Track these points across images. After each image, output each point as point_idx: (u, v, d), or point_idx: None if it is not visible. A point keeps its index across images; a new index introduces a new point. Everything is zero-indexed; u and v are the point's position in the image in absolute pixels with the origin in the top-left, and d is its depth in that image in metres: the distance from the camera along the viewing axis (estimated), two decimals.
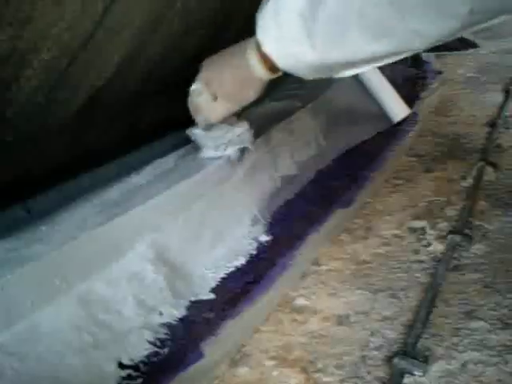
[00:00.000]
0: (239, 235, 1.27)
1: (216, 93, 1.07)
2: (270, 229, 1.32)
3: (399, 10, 0.78)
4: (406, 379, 0.85)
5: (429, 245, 1.23)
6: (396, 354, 0.89)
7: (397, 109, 1.89)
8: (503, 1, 0.77)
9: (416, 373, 0.86)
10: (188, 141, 1.25)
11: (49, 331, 0.87)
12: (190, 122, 1.16)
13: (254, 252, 1.23)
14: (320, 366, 0.90)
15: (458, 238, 1.21)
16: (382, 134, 1.86)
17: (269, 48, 0.96)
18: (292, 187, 1.50)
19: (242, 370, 0.90)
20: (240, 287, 1.11)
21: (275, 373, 0.89)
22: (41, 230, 0.97)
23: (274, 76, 1.03)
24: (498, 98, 2.14)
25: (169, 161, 1.23)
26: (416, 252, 1.20)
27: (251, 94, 1.08)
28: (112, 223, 0.99)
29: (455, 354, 0.90)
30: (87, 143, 1.08)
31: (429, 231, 1.28)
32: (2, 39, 0.73)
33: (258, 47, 0.98)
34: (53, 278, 0.89)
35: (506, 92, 2.18)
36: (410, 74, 2.28)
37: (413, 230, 1.30)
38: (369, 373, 0.87)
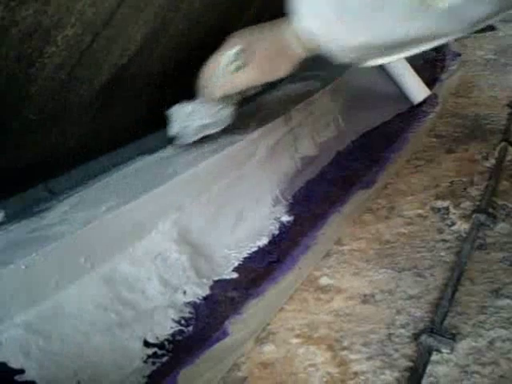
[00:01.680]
0: (261, 215, 1.27)
1: (246, 61, 1.02)
2: (292, 209, 1.32)
3: None
4: (434, 356, 0.84)
5: (453, 224, 1.21)
6: (423, 332, 0.88)
7: (417, 90, 1.89)
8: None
9: (443, 350, 0.85)
10: None
11: (74, 310, 0.87)
12: None
13: (277, 232, 1.23)
14: (346, 343, 0.89)
15: (482, 217, 1.20)
16: (402, 116, 1.84)
17: (305, 23, 0.92)
18: (312, 168, 1.50)
19: (268, 348, 0.89)
20: (263, 267, 1.11)
21: (301, 350, 0.88)
22: (64, 210, 0.97)
23: (309, 55, 0.99)
24: None
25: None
26: (440, 231, 1.19)
27: (282, 69, 1.03)
28: (135, 203, 0.98)
29: (482, 332, 0.89)
30: (110, 122, 1.08)
31: (452, 211, 1.27)
32: (27, 14, 0.73)
33: (296, 23, 0.94)
34: (77, 258, 0.89)
35: None
36: (429, 56, 2.26)
37: (436, 210, 1.28)
38: (396, 350, 0.87)
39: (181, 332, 0.93)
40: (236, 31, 1.03)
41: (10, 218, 0.94)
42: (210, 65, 1.04)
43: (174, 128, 1.15)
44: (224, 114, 1.15)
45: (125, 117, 1.11)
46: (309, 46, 0.96)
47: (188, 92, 1.06)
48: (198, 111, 1.12)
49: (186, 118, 1.13)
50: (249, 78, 1.04)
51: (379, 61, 0.95)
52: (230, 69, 1.02)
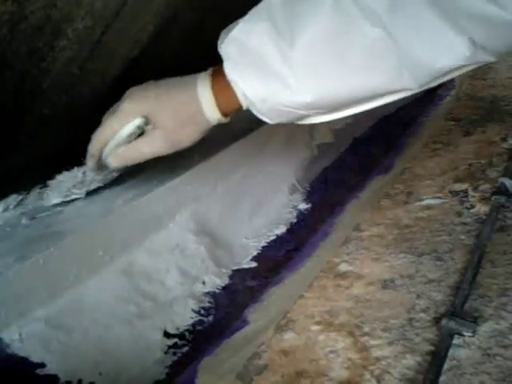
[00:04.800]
0: (278, 204, 1.27)
1: (152, 131, 0.86)
2: (309, 197, 1.32)
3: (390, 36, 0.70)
4: (455, 340, 0.83)
5: (472, 207, 1.20)
6: (444, 316, 0.87)
7: None
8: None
9: (465, 333, 0.84)
10: None
11: (93, 303, 0.87)
12: None
13: (295, 220, 1.23)
14: (367, 329, 0.88)
15: (502, 198, 1.19)
16: (418, 100, 1.83)
17: (236, 83, 0.80)
18: (329, 155, 1.49)
19: (288, 336, 0.89)
20: (282, 255, 1.11)
21: (321, 337, 0.88)
22: (80, 204, 0.97)
23: (224, 121, 0.86)
24: None
25: None
26: (459, 214, 1.18)
27: (191, 138, 0.87)
28: (152, 194, 0.99)
29: (504, 314, 0.88)
30: None
31: (471, 193, 1.25)
32: (36, 8, 0.73)
33: (212, 83, 0.83)
34: (95, 250, 0.89)
35: None
36: None
37: (455, 193, 1.27)
38: (417, 335, 0.86)
39: (201, 322, 0.93)
40: (139, 85, 0.88)
41: (27, 213, 0.94)
42: (104, 130, 0.87)
43: (54, 198, 0.98)
44: (112, 177, 1.02)
45: None
46: (228, 111, 0.85)
47: None
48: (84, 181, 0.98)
49: (72, 188, 0.98)
50: (154, 148, 0.87)
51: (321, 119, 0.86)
52: (132, 138, 0.86)
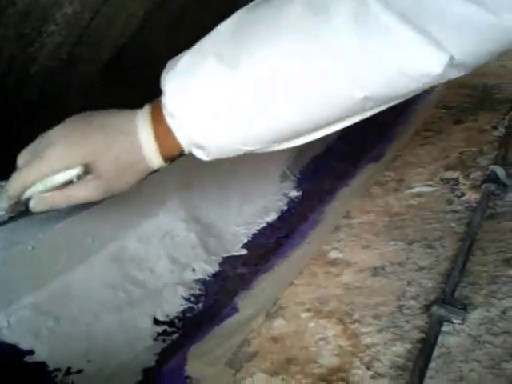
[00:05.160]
0: (269, 192, 1.27)
1: (89, 179, 0.75)
2: (300, 185, 1.32)
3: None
4: (445, 327, 0.83)
5: (463, 195, 1.20)
6: (434, 303, 0.87)
7: None
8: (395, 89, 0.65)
9: (455, 320, 0.84)
10: None
11: (82, 290, 0.87)
12: None
13: (285, 208, 1.23)
14: (357, 316, 0.88)
15: (492, 186, 1.19)
16: None
17: (182, 122, 0.72)
18: (319, 143, 1.48)
19: (278, 323, 0.89)
20: (272, 242, 1.11)
21: (311, 324, 0.88)
22: None
23: (164, 165, 0.78)
24: None
25: None
26: (450, 202, 1.18)
27: (128, 183, 0.78)
28: (142, 181, 0.98)
29: (494, 302, 0.88)
30: (112, 102, 1.07)
31: (462, 181, 1.26)
32: None
33: (154, 127, 0.74)
34: (85, 237, 0.89)
35: None
36: None
37: (446, 181, 1.27)
38: (407, 322, 0.86)
39: (190, 309, 0.93)
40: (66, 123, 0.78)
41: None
42: (32, 174, 0.75)
43: None
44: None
45: (127, 96, 1.09)
46: (170, 156, 0.77)
47: None
48: None
49: None
50: (88, 195, 0.76)
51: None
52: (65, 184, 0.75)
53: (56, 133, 0.75)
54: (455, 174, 1.29)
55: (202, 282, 0.99)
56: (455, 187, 1.24)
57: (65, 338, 0.81)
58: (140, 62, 0.94)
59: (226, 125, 0.71)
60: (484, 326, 0.83)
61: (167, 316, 0.91)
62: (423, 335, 0.82)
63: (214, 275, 1.01)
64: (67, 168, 0.73)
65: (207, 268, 1.01)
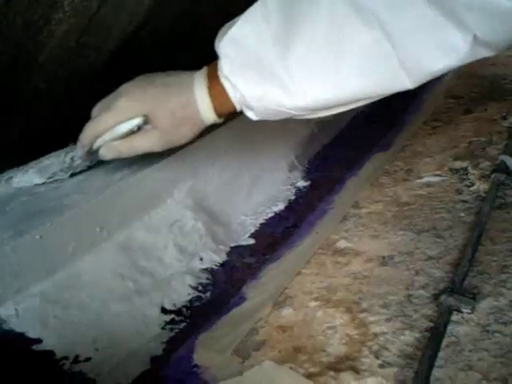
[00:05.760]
0: (277, 181, 1.26)
1: (149, 128, 0.87)
2: (308, 174, 1.32)
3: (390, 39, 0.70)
4: (454, 316, 0.83)
5: (472, 184, 1.20)
6: (443, 292, 0.87)
7: None
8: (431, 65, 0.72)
9: (464, 310, 0.84)
10: None
11: (90, 279, 0.87)
12: None
13: (293, 197, 1.23)
14: (365, 306, 0.88)
15: (502, 176, 1.18)
16: None
17: (233, 82, 0.80)
18: (328, 132, 1.48)
19: (286, 312, 0.89)
20: (280, 232, 1.11)
21: (319, 313, 0.87)
22: (79, 179, 0.96)
23: (218, 121, 0.88)
24: None
25: None
26: (459, 192, 1.18)
27: (187, 136, 0.88)
28: (150, 170, 0.98)
29: (503, 291, 0.88)
30: None
31: (471, 171, 1.25)
32: None
33: (209, 85, 0.83)
34: (93, 226, 0.88)
35: None
36: None
37: (455, 171, 1.27)
38: (415, 311, 0.86)
39: (198, 298, 0.93)
40: (133, 81, 0.88)
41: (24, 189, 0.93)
42: (100, 125, 0.87)
43: (37, 179, 0.96)
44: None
45: None
46: (223, 113, 0.86)
47: (199, 55, 1.04)
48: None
49: (58, 172, 0.96)
50: (149, 145, 0.88)
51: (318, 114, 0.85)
52: (127, 134, 0.87)
53: (123, 88, 0.87)
54: (464, 164, 1.28)
55: (210, 271, 0.99)
56: (464, 177, 1.24)
57: (73, 326, 0.81)
58: (148, 50, 0.93)
59: (273, 89, 0.78)
60: (493, 316, 0.83)
61: (175, 305, 0.91)
62: (432, 324, 0.82)
63: (222, 264, 1.01)
64: (130, 119, 0.84)
65: (215, 257, 1.01)
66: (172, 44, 0.96)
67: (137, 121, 0.85)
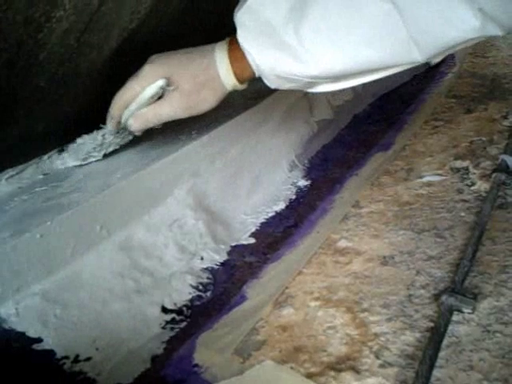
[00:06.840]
0: (278, 180, 1.26)
1: (172, 93, 0.91)
2: (309, 173, 1.32)
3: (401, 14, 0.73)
4: (455, 316, 0.83)
5: (472, 184, 1.20)
6: (443, 292, 0.87)
7: None
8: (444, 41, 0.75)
9: (465, 310, 0.84)
10: None
11: (91, 278, 0.87)
12: None
13: (294, 197, 1.23)
14: (366, 305, 0.88)
15: (502, 176, 1.18)
16: (419, 77, 1.82)
17: (248, 50, 0.85)
18: (329, 132, 1.48)
19: (287, 311, 0.89)
20: (280, 231, 1.11)
21: (320, 313, 0.87)
22: (78, 178, 0.96)
23: (239, 87, 0.92)
24: None
25: None
26: (460, 191, 1.17)
27: (208, 101, 0.92)
28: (150, 169, 0.98)
29: (504, 291, 0.88)
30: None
31: (472, 170, 1.25)
32: None
33: (229, 51, 0.88)
34: (93, 225, 0.88)
35: None
36: None
37: (455, 170, 1.26)
38: (416, 311, 0.85)
39: (199, 297, 0.93)
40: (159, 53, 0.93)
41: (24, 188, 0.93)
42: (126, 92, 0.92)
43: (72, 161, 1.02)
44: (128, 140, 1.05)
45: None
46: (243, 78, 0.90)
47: None
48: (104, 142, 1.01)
49: (91, 151, 1.01)
50: (174, 110, 0.92)
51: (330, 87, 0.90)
52: (153, 101, 0.92)
53: (149, 59, 0.91)
54: (465, 164, 1.28)
55: (211, 270, 0.99)
56: (465, 176, 1.23)
57: (73, 325, 0.81)
58: (149, 48, 0.93)
59: (285, 57, 0.82)
60: (494, 316, 0.83)
61: (175, 304, 0.91)
62: (433, 324, 0.82)
63: (223, 264, 1.01)
64: (153, 83, 0.89)
65: (215, 256, 1.01)
66: (173, 42, 0.95)
67: (160, 83, 0.89)
